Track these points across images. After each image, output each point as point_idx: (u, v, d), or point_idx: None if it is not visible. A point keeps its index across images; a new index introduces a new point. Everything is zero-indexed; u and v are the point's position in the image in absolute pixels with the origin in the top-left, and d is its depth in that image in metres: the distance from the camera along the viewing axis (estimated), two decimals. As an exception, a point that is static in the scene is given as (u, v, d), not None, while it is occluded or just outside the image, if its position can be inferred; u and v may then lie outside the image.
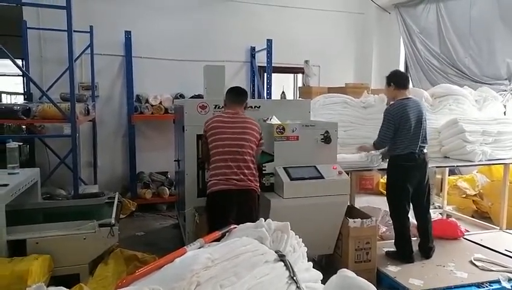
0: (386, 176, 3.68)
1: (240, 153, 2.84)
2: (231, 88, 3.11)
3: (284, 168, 3.16)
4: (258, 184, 2.96)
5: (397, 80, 3.50)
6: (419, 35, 6.35)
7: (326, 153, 3.32)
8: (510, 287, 3.01)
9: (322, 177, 3.17)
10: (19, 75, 8.50)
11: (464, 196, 5.18)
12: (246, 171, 2.85)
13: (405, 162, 3.41)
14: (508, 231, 4.27)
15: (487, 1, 5.34)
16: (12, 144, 3.20)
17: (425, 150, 3.48)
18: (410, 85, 3.62)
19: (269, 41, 5.96)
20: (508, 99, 5.06)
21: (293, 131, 3.22)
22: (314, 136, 3.29)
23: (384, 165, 3.69)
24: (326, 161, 3.29)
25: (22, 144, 4.70)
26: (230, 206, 2.82)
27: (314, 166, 3.24)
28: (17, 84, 9.04)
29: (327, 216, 3.24)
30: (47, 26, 5.22)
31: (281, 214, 2.63)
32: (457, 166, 4.99)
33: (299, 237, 1.49)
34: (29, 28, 5.23)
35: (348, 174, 3.36)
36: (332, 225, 3.31)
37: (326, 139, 3.30)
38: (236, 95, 3.05)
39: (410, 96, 3.50)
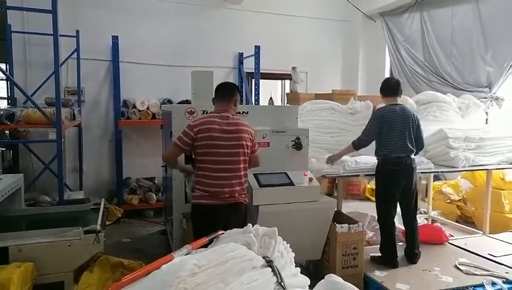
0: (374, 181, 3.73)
1: (233, 162, 2.66)
2: (219, 84, 2.89)
3: (254, 175, 3.08)
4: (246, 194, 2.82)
5: (382, 89, 3.65)
6: (403, 43, 6.48)
7: (298, 159, 3.33)
8: (493, 291, 3.07)
9: (292, 183, 3.13)
10: (2, 80, 8.34)
11: (448, 201, 5.27)
12: (237, 187, 2.69)
13: (391, 166, 3.46)
14: (491, 235, 4.35)
15: (468, 11, 5.49)
16: (-5, 150, 3.15)
17: (412, 156, 3.52)
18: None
19: (257, 48, 6.00)
20: (489, 106, 5.19)
21: (263, 137, 3.22)
22: (285, 143, 3.29)
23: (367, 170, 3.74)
24: (297, 167, 3.29)
25: (5, 149, 4.60)
26: (217, 220, 2.59)
27: (285, 172, 3.21)
28: (0, 88, 8.86)
29: (311, 222, 3.21)
30: (32, 30, 5.14)
31: (267, 220, 2.63)
32: (441, 172, 5.08)
33: (287, 243, 1.50)
34: (14, 31, 5.16)
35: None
36: (319, 231, 3.32)
37: (298, 145, 3.31)
38: (224, 90, 2.82)
39: (399, 103, 3.58)
